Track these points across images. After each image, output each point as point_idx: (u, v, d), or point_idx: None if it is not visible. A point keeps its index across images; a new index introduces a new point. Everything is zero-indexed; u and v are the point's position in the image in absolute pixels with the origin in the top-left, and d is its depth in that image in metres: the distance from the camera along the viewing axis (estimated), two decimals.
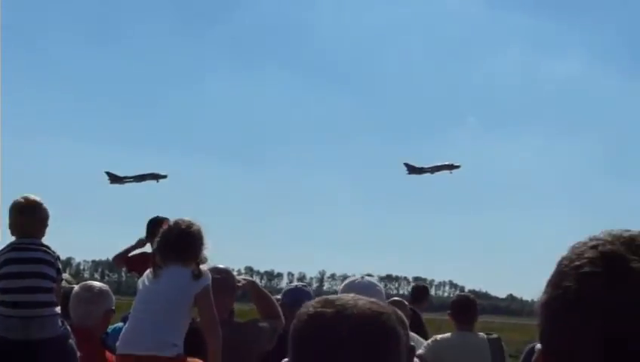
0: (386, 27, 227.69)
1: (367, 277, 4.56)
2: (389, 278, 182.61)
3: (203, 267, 4.68)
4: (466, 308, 6.96)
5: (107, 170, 73.90)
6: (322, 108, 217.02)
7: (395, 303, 4.50)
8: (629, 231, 1.28)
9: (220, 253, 4.97)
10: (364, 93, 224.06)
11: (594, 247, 1.25)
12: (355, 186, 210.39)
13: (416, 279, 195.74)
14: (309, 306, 1.78)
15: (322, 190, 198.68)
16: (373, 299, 1.80)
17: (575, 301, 1.22)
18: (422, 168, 71.96)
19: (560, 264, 1.27)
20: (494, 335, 6.98)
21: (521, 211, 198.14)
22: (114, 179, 73.91)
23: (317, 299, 1.83)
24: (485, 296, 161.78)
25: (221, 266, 5.03)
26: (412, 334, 6.69)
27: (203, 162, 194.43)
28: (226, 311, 4.96)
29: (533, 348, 5.95)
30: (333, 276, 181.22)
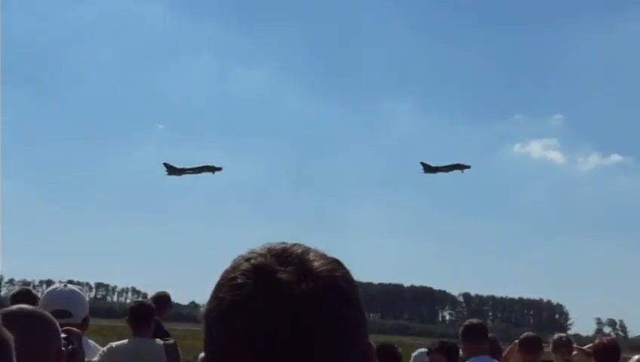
0: (75, 29, 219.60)
1: (69, 285, 4.59)
2: (70, 284, 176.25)
3: None
4: (142, 314, 7.04)
5: (165, 162, 72.17)
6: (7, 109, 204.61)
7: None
8: (284, 243, 1.39)
9: None
10: (52, 96, 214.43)
11: (248, 260, 1.34)
12: (39, 189, 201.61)
13: (98, 285, 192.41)
14: None
15: (10, 194, 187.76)
16: None
17: (227, 312, 1.30)
18: (437, 167, 74.37)
19: (220, 276, 1.37)
20: (171, 341, 7.15)
21: (205, 219, 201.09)
22: (172, 170, 71.96)
23: None
24: None
25: None
26: (90, 341, 6.71)
27: None
28: None
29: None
30: (11, 281, 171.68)
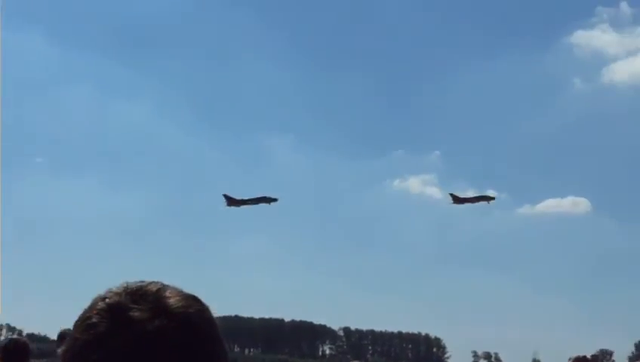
0: None
1: None
2: None
3: None
4: (16, 352, 6.94)
5: (225, 193, 72.11)
6: None
7: None
8: (142, 281, 1.40)
9: None
10: None
11: (103, 299, 1.35)
12: None
13: None
14: None
15: None
16: None
17: (81, 351, 1.29)
18: (465, 198, 76.51)
19: (78, 316, 1.38)
20: None
21: (83, 253, 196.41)
22: (231, 201, 71.92)
23: None
24: (44, 339, 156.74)
25: None
26: None
27: None
28: None
29: None
30: None
